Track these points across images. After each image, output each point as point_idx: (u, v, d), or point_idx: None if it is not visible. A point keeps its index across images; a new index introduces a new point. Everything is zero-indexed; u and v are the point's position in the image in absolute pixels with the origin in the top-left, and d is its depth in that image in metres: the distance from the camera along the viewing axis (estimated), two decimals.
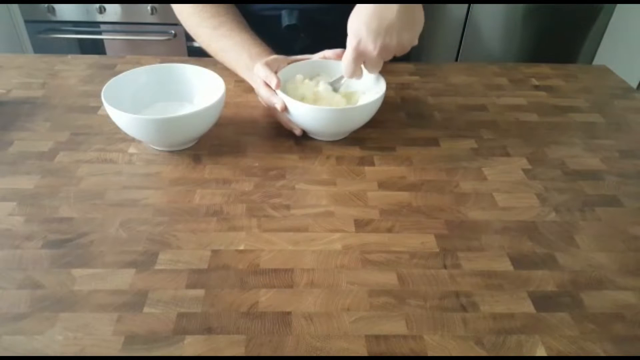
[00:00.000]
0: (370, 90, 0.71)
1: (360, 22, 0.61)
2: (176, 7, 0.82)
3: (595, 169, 0.66)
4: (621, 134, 0.74)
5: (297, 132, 0.69)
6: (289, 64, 0.71)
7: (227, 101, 0.78)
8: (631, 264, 0.52)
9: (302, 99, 0.68)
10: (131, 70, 0.69)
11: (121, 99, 0.64)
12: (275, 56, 0.70)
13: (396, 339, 0.43)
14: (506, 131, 0.74)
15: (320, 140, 0.70)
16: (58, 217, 0.55)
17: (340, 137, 0.70)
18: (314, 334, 0.43)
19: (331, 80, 0.70)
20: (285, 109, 0.65)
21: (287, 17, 0.84)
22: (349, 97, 0.71)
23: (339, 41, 0.73)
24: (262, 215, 0.56)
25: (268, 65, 0.67)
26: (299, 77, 0.71)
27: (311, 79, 0.72)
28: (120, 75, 0.67)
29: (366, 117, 0.67)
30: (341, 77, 0.69)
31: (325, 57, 0.73)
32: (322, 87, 0.70)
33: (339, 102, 0.68)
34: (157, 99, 0.71)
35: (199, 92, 0.72)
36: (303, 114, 0.64)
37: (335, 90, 0.70)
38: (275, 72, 0.67)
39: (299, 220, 0.56)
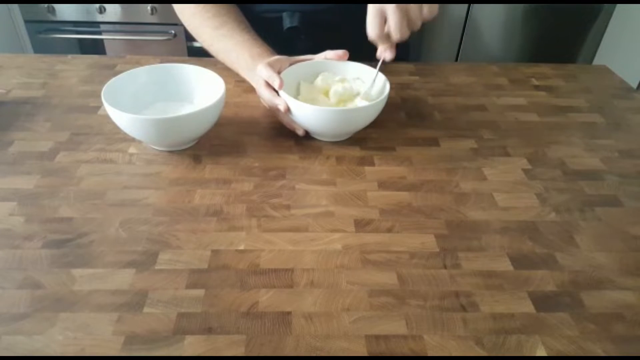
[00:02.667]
0: (373, 90, 0.71)
1: None
2: (178, 8, 0.82)
3: (595, 169, 0.66)
4: (621, 134, 0.74)
5: (300, 132, 0.69)
6: (291, 64, 0.71)
7: (227, 101, 0.78)
8: (631, 264, 0.52)
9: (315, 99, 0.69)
10: (131, 70, 0.69)
11: (121, 99, 0.64)
12: (277, 57, 0.70)
13: (396, 339, 0.43)
14: (506, 131, 0.74)
15: (320, 140, 0.70)
16: (58, 217, 0.55)
17: (343, 138, 0.70)
18: (314, 334, 0.43)
19: (364, 91, 0.70)
20: (288, 110, 0.65)
21: (288, 19, 0.84)
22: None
23: (341, 42, 0.73)
24: (262, 215, 0.56)
25: (270, 65, 0.67)
26: (320, 79, 0.71)
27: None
28: (120, 75, 0.67)
29: (369, 118, 0.67)
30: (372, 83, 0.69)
31: (326, 58, 0.73)
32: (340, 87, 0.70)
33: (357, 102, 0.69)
34: (157, 99, 0.71)
35: (199, 92, 0.72)
36: (306, 114, 0.64)
37: (368, 95, 0.70)
38: (278, 73, 0.67)
39: (299, 220, 0.56)
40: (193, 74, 0.71)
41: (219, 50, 0.78)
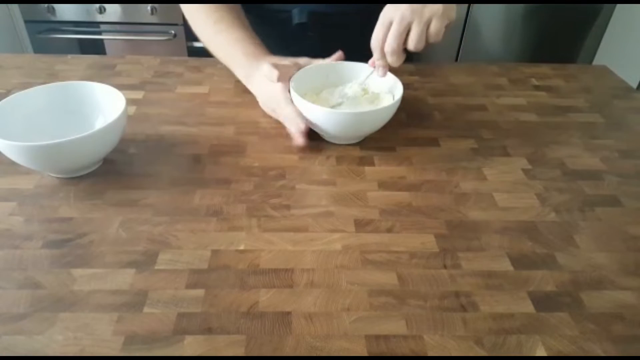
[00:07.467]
0: (387, 91, 0.71)
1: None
2: (184, 7, 0.82)
3: (595, 169, 0.66)
4: (621, 134, 0.74)
5: (300, 140, 0.66)
6: (298, 69, 0.69)
7: (227, 101, 0.78)
8: (631, 264, 0.52)
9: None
10: (23, 92, 0.62)
11: (12, 125, 0.58)
12: (281, 59, 0.70)
13: (396, 339, 0.43)
14: (506, 131, 0.74)
15: (320, 140, 0.70)
16: (58, 217, 0.55)
17: (359, 140, 0.70)
18: (314, 334, 0.43)
19: (360, 81, 0.70)
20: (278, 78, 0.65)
21: (297, 15, 0.86)
22: (371, 99, 0.71)
23: (346, 41, 0.73)
24: (262, 215, 0.56)
25: (275, 66, 0.66)
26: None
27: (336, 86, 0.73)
28: (10, 98, 0.60)
29: (387, 118, 0.67)
30: (370, 73, 0.69)
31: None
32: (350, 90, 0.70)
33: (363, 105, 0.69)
34: (55, 123, 0.63)
35: (104, 111, 0.64)
36: (323, 118, 0.64)
37: (365, 89, 0.70)
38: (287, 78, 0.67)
39: (299, 220, 0.56)
40: (95, 92, 0.65)
41: (216, 47, 0.78)
